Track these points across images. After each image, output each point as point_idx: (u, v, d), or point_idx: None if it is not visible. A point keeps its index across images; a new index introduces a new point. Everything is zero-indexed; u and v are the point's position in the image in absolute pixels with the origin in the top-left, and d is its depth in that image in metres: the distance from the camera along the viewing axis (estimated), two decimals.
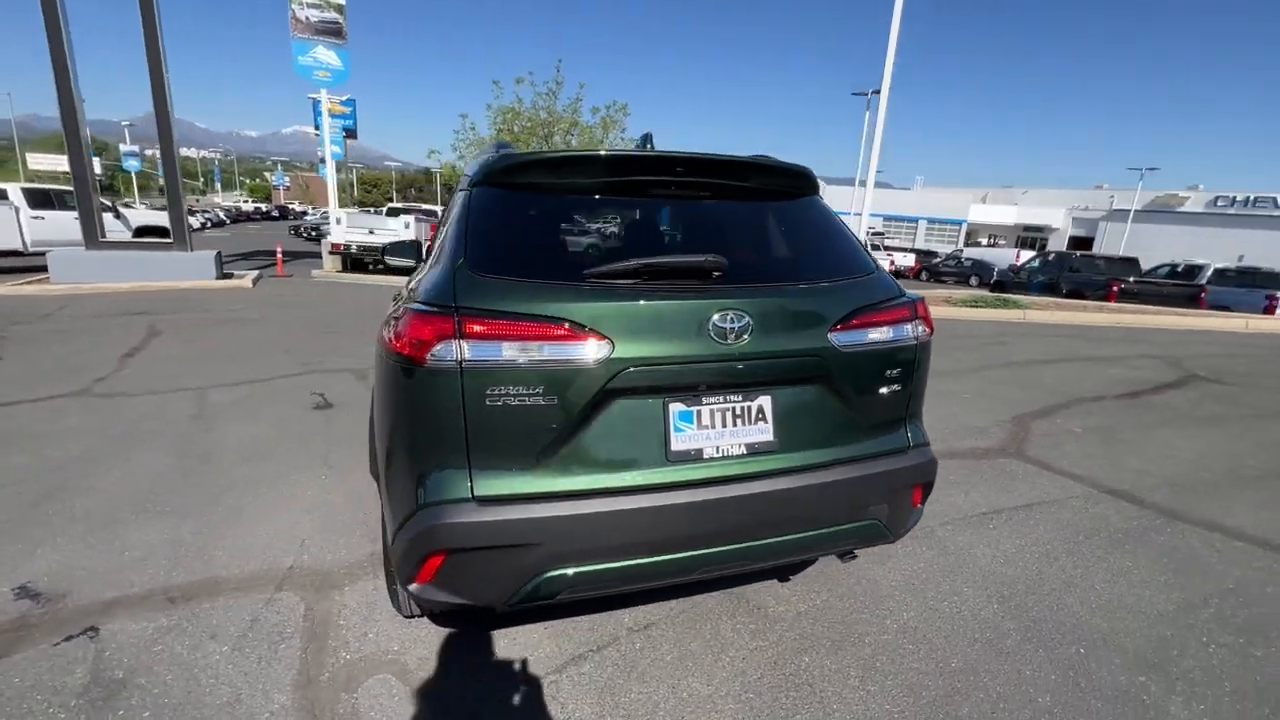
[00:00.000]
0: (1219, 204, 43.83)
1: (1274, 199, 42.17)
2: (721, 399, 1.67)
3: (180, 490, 3.21)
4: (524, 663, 2.05)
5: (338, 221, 14.83)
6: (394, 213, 18.59)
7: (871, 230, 44.07)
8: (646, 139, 2.11)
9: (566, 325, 1.52)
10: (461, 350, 1.49)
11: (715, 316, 1.61)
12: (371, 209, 32.44)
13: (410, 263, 3.70)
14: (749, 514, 1.67)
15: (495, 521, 1.51)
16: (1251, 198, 42.80)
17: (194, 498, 3.13)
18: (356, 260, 15.51)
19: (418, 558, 1.57)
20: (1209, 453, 4.20)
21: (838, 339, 1.75)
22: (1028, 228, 53.78)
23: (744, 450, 1.69)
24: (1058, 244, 48.96)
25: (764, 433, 1.71)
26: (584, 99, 12.64)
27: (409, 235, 14.55)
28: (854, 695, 1.93)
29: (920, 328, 1.89)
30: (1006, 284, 18.23)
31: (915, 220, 54.62)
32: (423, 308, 1.56)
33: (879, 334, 1.82)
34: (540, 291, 1.57)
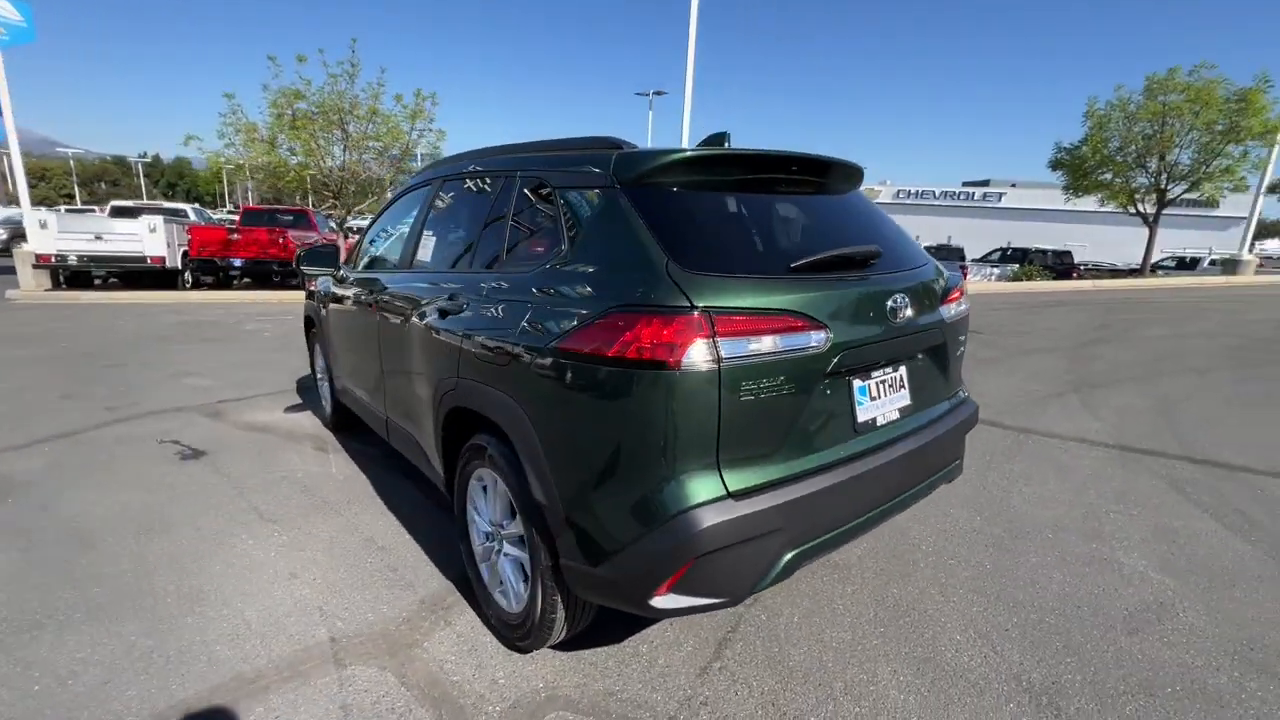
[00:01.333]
0: (900, 195, 55.93)
1: (933, 191, 55.25)
2: (883, 372, 1.88)
3: (81, 587, 2.39)
4: (682, 659, 2.03)
5: (41, 225, 11.39)
6: (123, 213, 14.79)
7: None
8: (723, 137, 2.17)
9: (800, 317, 1.58)
10: (718, 349, 1.46)
11: (893, 298, 1.81)
12: (64, 207, 25.23)
13: (325, 270, 3.23)
14: (904, 469, 1.91)
15: (749, 515, 1.52)
16: (920, 190, 55.61)
17: (110, 592, 2.37)
18: (78, 274, 12.15)
19: (671, 569, 1.50)
20: (1005, 386, 5.60)
21: (945, 312, 2.08)
22: None
23: (897, 415, 1.93)
24: None
25: (905, 398, 1.97)
26: (385, 85, 11.46)
27: (158, 240, 11.79)
28: (946, 606, 2.31)
29: (967, 300, 2.32)
30: None
31: None
32: (661, 309, 1.48)
33: (961, 306, 2.20)
34: (767, 286, 1.59)
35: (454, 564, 2.59)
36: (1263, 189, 16.63)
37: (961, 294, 2.24)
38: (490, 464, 1.98)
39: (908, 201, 54.72)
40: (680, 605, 1.57)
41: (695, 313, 1.46)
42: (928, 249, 2.55)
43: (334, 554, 2.66)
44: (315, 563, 2.59)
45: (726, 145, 2.09)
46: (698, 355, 1.45)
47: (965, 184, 57.11)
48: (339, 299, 3.45)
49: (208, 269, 12.51)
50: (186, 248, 12.44)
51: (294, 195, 16.07)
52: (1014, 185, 54.52)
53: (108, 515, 2.98)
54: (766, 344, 1.53)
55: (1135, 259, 19.91)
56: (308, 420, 4.43)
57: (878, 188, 55.98)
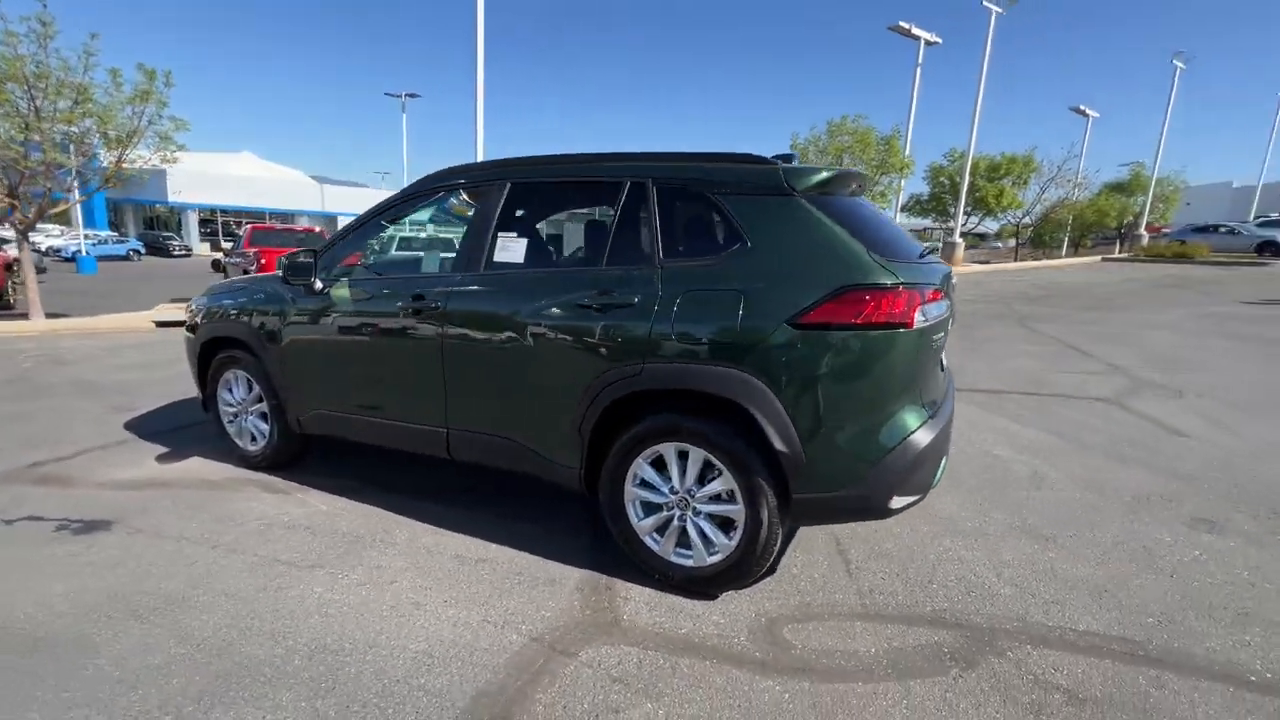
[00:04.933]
0: None
1: None
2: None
3: (174, 699, 1.88)
4: (822, 569, 2.55)
5: None
6: None
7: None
8: (791, 157, 2.73)
9: (940, 290, 2.23)
10: (925, 313, 2.05)
11: (949, 276, 2.57)
12: None
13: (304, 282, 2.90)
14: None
15: (936, 433, 2.14)
16: None
17: (220, 685, 1.93)
18: None
19: (904, 479, 2.05)
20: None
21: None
22: None
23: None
24: None
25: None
26: (98, 56, 8.79)
27: None
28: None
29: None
30: None
31: (424, 223, 57.08)
32: (894, 283, 2.00)
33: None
34: (917, 268, 2.20)
35: (573, 553, 2.68)
36: (898, 208, 23.20)
37: None
38: (681, 437, 2.24)
39: None
40: (901, 505, 2.13)
41: (905, 288, 2.03)
42: None
43: (435, 577, 2.50)
44: (424, 589, 2.42)
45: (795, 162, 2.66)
46: (917, 318, 2.03)
47: None
48: (326, 314, 3.04)
49: None
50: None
51: None
52: None
53: (69, 608, 2.25)
54: (935, 310, 2.17)
55: None
56: (208, 466, 3.64)
57: None
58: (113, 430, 4.29)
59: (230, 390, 3.60)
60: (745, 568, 2.25)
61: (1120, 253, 28.73)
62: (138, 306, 11.09)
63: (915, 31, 19.44)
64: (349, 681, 1.92)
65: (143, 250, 33.73)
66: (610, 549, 2.68)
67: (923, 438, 2.09)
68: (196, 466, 3.65)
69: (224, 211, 44.57)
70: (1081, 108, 28.24)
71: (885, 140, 19.01)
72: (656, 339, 2.22)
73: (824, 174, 2.26)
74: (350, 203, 51.48)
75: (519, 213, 2.74)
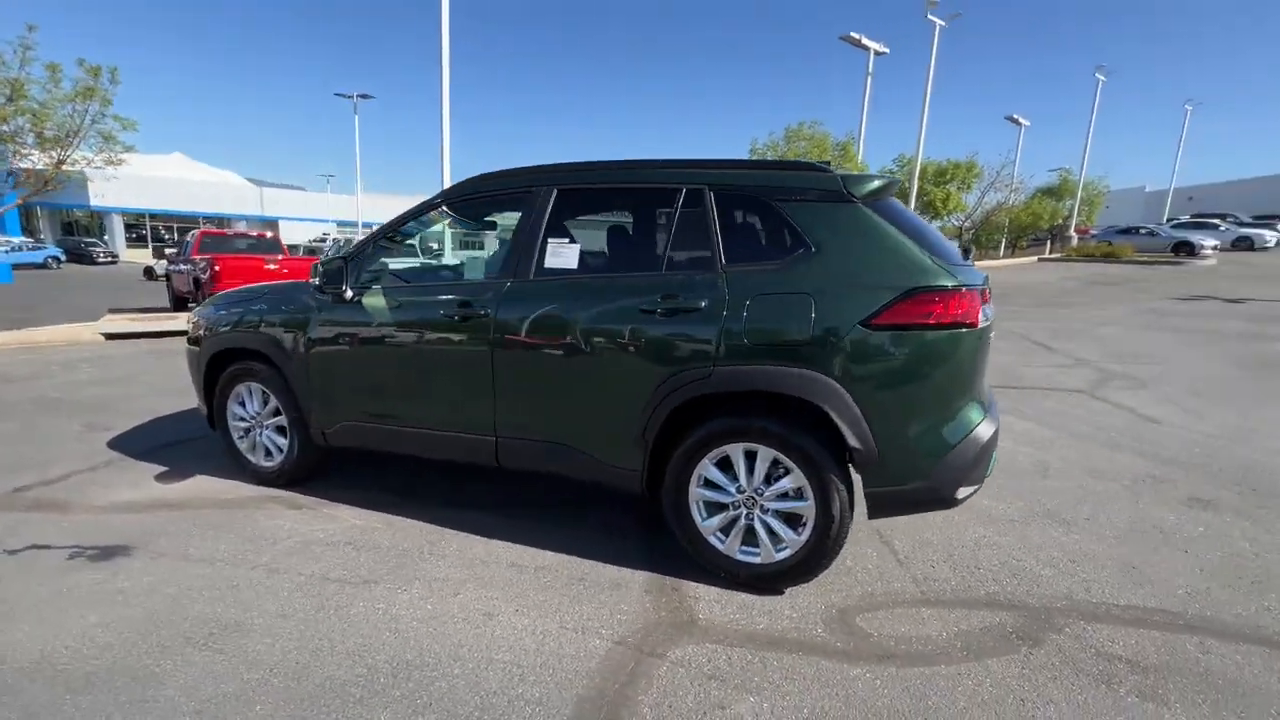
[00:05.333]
0: None
1: None
2: None
3: None
4: (870, 562, 2.65)
5: None
6: None
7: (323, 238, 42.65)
8: (828, 165, 2.83)
9: (988, 290, 2.37)
10: (986, 312, 2.17)
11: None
12: None
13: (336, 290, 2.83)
14: None
15: (995, 423, 2.28)
16: None
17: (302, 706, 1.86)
18: None
19: (968, 470, 2.17)
20: None
21: None
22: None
23: None
24: (494, 246, 58.85)
25: None
26: (36, 50, 8.12)
27: None
28: None
29: None
30: None
31: (371, 225, 55.45)
32: (956, 284, 2.11)
33: None
34: (968, 270, 2.32)
35: (628, 556, 2.70)
36: None
37: None
38: (750, 437, 2.30)
39: None
40: (965, 495, 2.24)
41: (966, 288, 2.15)
42: None
43: (498, 586, 2.48)
44: (490, 599, 2.39)
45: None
46: (981, 317, 2.15)
47: None
48: (358, 323, 2.96)
49: None
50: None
51: None
52: None
53: (114, 638, 2.12)
54: (990, 310, 2.30)
55: None
56: (217, 485, 3.47)
57: None
58: (96, 450, 4.02)
59: (243, 404, 3.44)
60: (815, 562, 2.32)
61: (1053, 253, 30.55)
62: (69, 317, 10.35)
63: (865, 42, 20.21)
64: (444, 696, 1.89)
65: (63, 257, 31.43)
66: (664, 549, 2.72)
67: (985, 431, 2.22)
68: (204, 485, 3.47)
69: (153, 216, 42.03)
70: (1015, 116, 29.90)
71: (841, 146, 19.68)
72: (726, 342, 2.27)
73: (877, 182, 2.36)
74: (292, 207, 49.47)
75: (567, 219, 2.74)
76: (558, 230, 2.72)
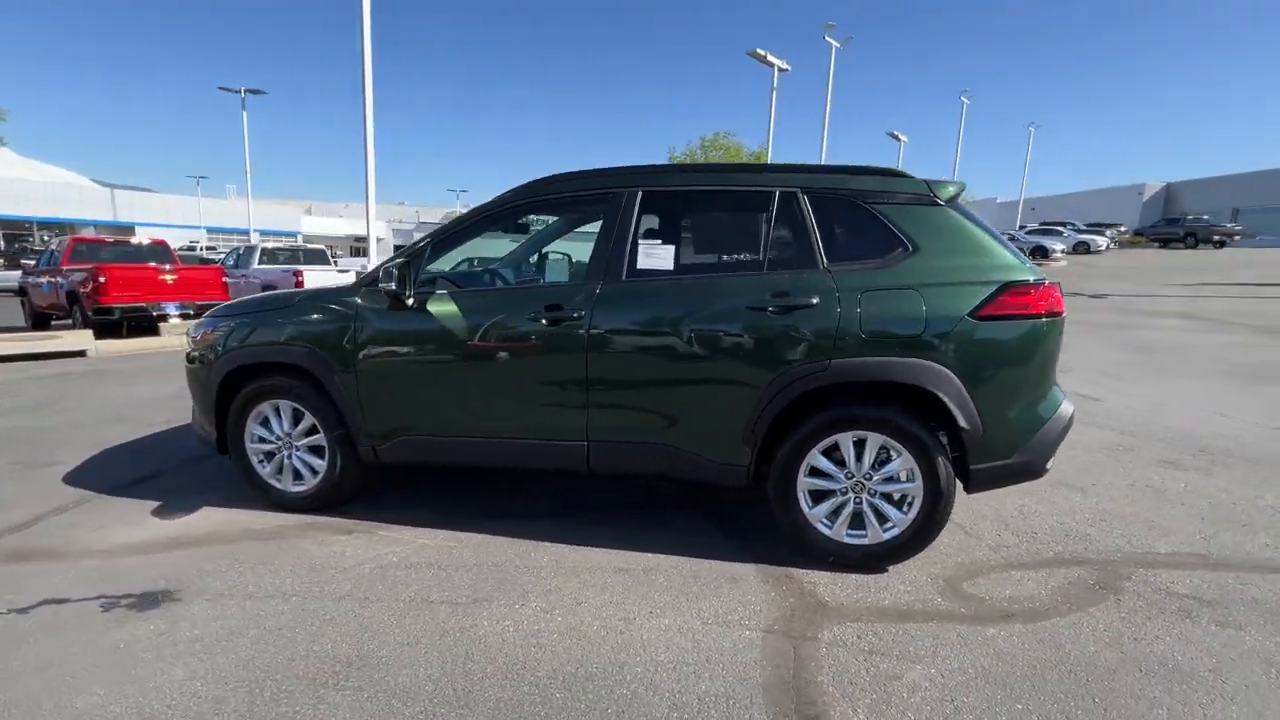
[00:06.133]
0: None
1: None
2: None
3: None
4: (947, 542, 2.88)
5: None
6: None
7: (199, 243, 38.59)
8: (898, 170, 3.03)
9: None
10: (1064, 304, 2.45)
11: None
12: None
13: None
14: None
15: (1070, 403, 2.57)
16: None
17: None
18: None
19: (1056, 444, 2.43)
20: None
21: None
22: (359, 237, 58.84)
23: None
24: (385, 251, 55.98)
25: None
26: None
27: None
28: None
29: None
30: None
31: (246, 231, 50.86)
32: (1039, 278, 2.36)
33: None
34: (1034, 268, 2.61)
35: (724, 549, 2.78)
36: None
37: None
38: (860, 425, 2.45)
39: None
40: (1050, 466, 2.50)
41: (1049, 282, 2.43)
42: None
43: (617, 592, 2.44)
44: (617, 604, 2.36)
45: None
46: (1064, 307, 2.43)
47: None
48: (423, 331, 2.79)
49: None
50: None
51: None
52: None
53: (225, 691, 1.88)
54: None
55: None
56: (234, 515, 3.11)
57: (459, 209, 58.76)
58: (53, 490, 3.46)
59: (267, 424, 3.11)
60: (923, 539, 2.50)
61: None
62: None
63: (770, 59, 21.42)
64: (631, 703, 1.85)
65: None
66: (757, 540, 2.82)
67: (1068, 409, 2.51)
68: (220, 518, 3.10)
69: None
70: (895, 133, 32.85)
71: (755, 157, 20.69)
72: (843, 336, 2.40)
73: (953, 187, 2.59)
74: (151, 212, 44.23)
75: (654, 221, 2.75)
76: (647, 232, 2.73)
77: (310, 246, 15.54)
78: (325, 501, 3.13)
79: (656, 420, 2.64)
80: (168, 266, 11.24)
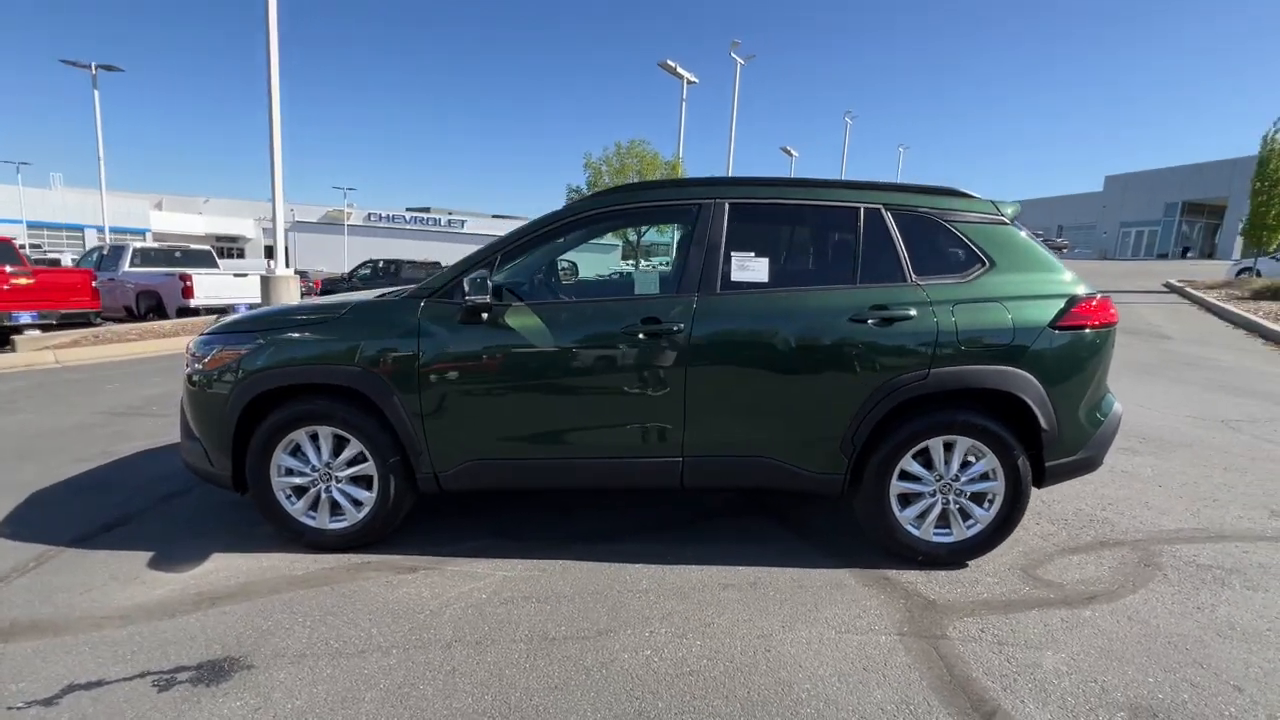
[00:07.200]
0: (371, 219, 56.33)
1: (403, 216, 58.10)
2: None
3: None
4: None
5: None
6: None
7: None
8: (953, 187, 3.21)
9: None
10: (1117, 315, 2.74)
11: None
12: None
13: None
14: None
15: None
16: (392, 214, 57.57)
17: None
18: None
19: (1112, 439, 2.72)
20: None
21: None
22: (220, 237, 52.92)
23: None
24: (254, 253, 50.75)
25: None
26: None
27: None
28: None
29: None
30: (339, 288, 19.24)
31: (81, 228, 44.08)
32: (1094, 292, 2.63)
33: None
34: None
35: (812, 557, 2.83)
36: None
37: None
38: (952, 430, 2.60)
39: (379, 225, 55.76)
40: (1105, 458, 2.79)
41: (1103, 295, 2.71)
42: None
43: (738, 609, 2.41)
44: (745, 621, 2.33)
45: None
46: (1117, 318, 2.72)
47: (409, 209, 61.54)
48: (500, 345, 2.59)
49: None
50: None
51: None
52: (451, 214, 61.01)
53: None
54: None
55: None
56: (261, 561, 2.71)
57: (347, 209, 54.91)
58: (6, 547, 2.83)
59: (298, 453, 2.74)
60: (1001, 534, 2.69)
61: None
62: None
63: (680, 71, 21.99)
64: (819, 719, 1.84)
65: None
66: (837, 544, 2.92)
67: (1119, 409, 2.81)
68: (243, 565, 2.69)
69: None
70: (787, 148, 34.91)
71: (670, 164, 21.12)
72: (942, 347, 2.53)
73: (1013, 207, 2.83)
74: None
75: (741, 233, 2.74)
76: (736, 244, 2.72)
77: (194, 247, 13.79)
78: (368, 538, 2.81)
79: (756, 433, 2.64)
80: (19, 269, 9.54)
